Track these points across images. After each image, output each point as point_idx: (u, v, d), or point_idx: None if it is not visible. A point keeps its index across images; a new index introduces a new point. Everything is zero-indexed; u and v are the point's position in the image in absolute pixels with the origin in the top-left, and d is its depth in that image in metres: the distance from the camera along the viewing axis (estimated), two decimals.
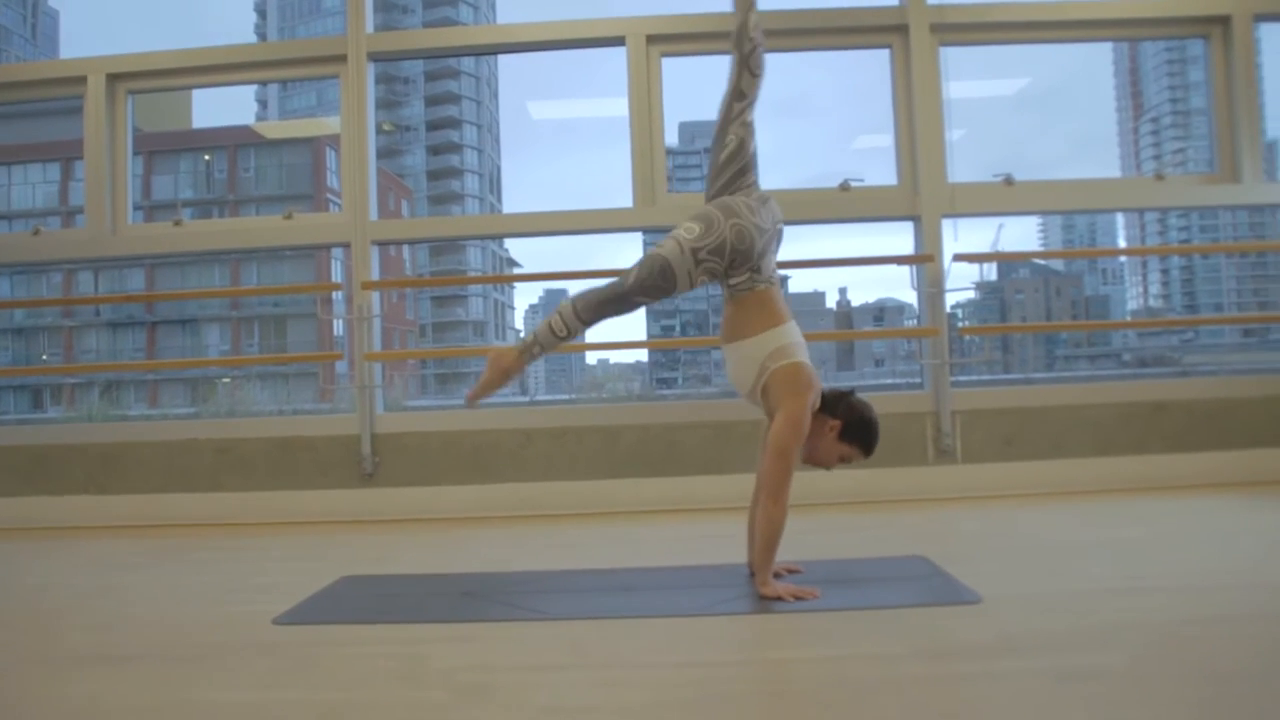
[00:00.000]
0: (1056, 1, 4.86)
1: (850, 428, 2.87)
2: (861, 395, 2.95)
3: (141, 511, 4.63)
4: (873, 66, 4.97)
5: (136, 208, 5.14)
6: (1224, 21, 4.83)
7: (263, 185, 24.99)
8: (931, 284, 4.62)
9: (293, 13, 39.45)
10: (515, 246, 26.16)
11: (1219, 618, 2.33)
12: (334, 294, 5.51)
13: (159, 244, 5.18)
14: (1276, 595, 2.55)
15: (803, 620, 2.50)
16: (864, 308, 35.13)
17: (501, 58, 5.61)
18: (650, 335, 35.03)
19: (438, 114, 37.43)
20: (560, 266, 4.88)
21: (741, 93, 3.00)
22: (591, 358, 29.37)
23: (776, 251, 3.00)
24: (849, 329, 32.69)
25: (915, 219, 4.73)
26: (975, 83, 6.28)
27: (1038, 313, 34.66)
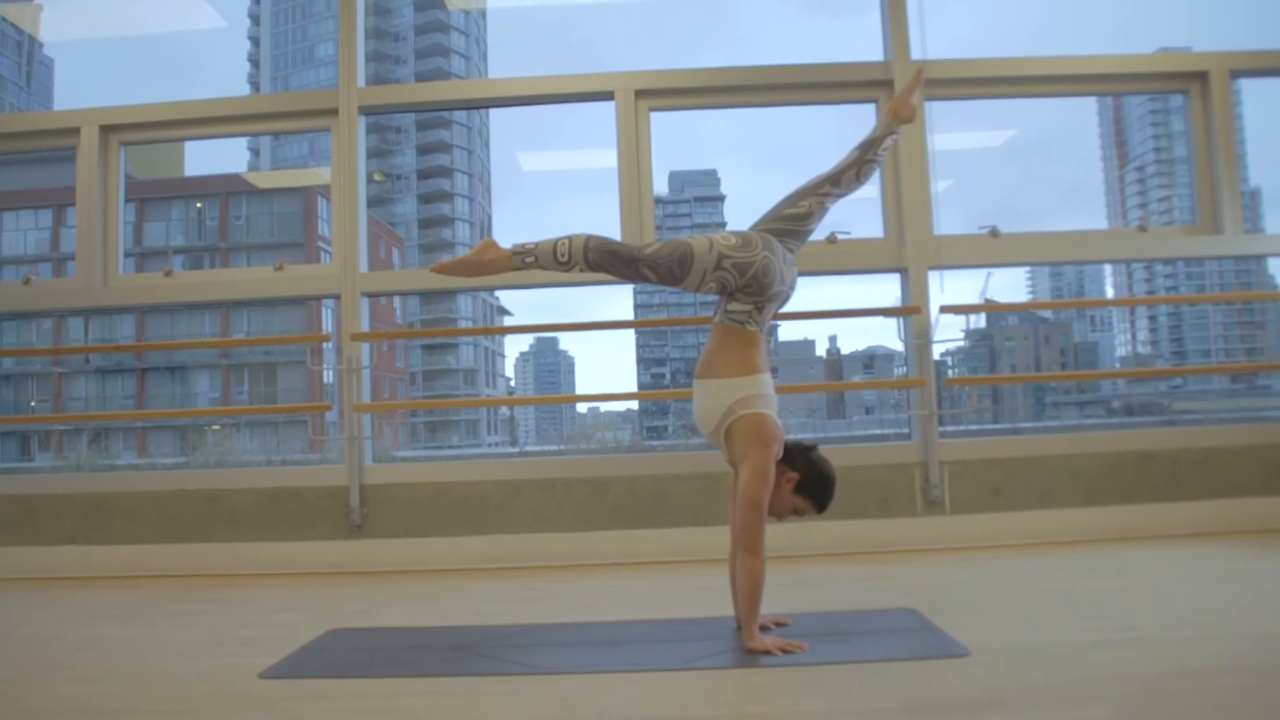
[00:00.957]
0: (1038, 57, 4.93)
1: (808, 482, 2.90)
2: (823, 451, 2.96)
3: (129, 562, 4.61)
4: (860, 118, 5.03)
5: (128, 254, 5.16)
6: (1202, 78, 4.91)
7: (254, 233, 25.04)
8: (918, 335, 4.65)
9: (286, 63, 39.71)
10: (506, 294, 26.20)
11: (1206, 670, 2.34)
12: (324, 344, 5.50)
13: (150, 294, 5.19)
14: (1264, 646, 2.56)
15: (790, 674, 2.50)
16: (854, 355, 35.22)
17: (493, 109, 5.65)
18: (640, 384, 35.10)
19: (429, 163, 37.65)
20: (550, 313, 4.95)
21: (839, 181, 3.17)
22: (582, 407, 29.41)
23: (777, 309, 3.06)
24: (839, 377, 32.74)
25: (902, 271, 4.77)
26: (962, 135, 6.35)
27: (1027, 360, 34.76)
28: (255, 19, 39.64)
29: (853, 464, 4.41)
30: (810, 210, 3.12)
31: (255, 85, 39.40)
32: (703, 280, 2.91)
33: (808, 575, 3.89)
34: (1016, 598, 3.39)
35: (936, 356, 4.81)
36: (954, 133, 5.52)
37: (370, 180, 5.15)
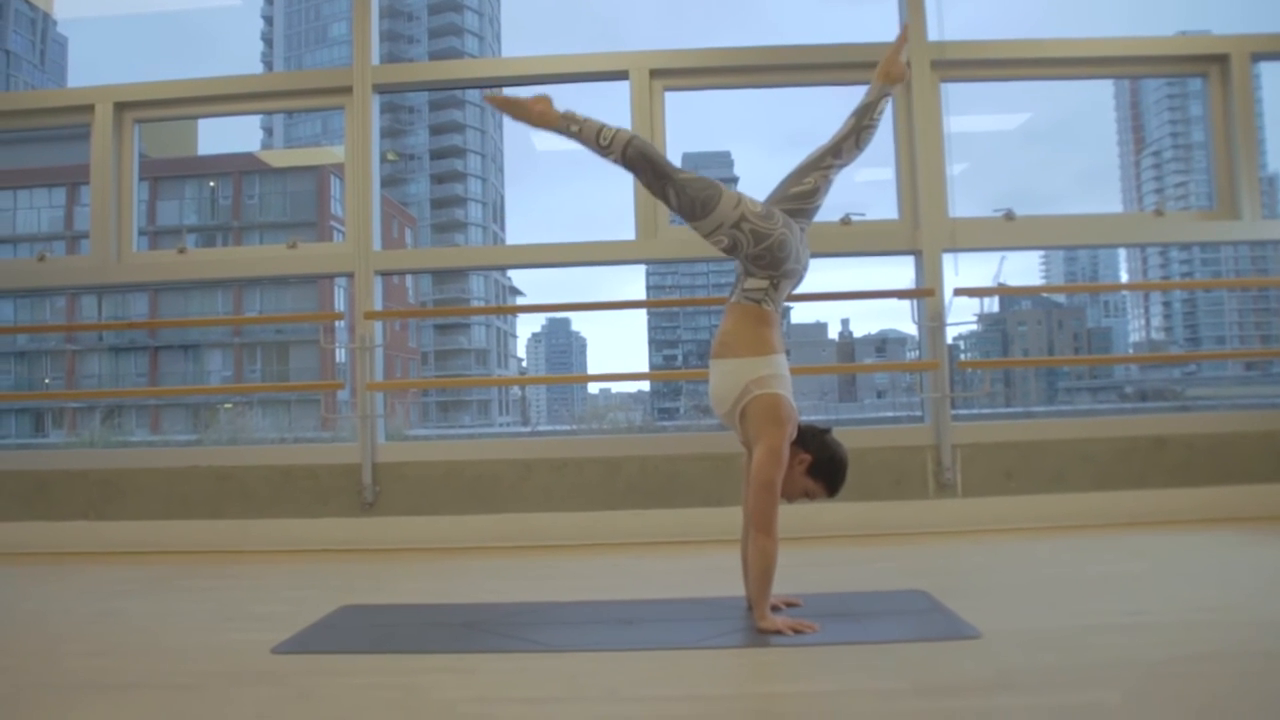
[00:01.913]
0: (1055, 39, 4.89)
1: (820, 465, 2.89)
2: (836, 435, 2.95)
3: (141, 538, 4.63)
4: None
5: (141, 233, 5.17)
6: (1222, 60, 4.87)
7: (267, 212, 25.11)
8: (932, 318, 4.64)
9: (299, 42, 39.74)
10: (518, 274, 26.26)
11: (1217, 654, 2.33)
12: (337, 323, 5.51)
13: (163, 272, 5.20)
14: (1274, 632, 2.55)
15: (801, 654, 2.51)
16: (866, 339, 35.24)
17: (506, 88, 5.63)
18: (652, 365, 35.14)
19: (442, 143, 37.65)
20: (563, 294, 4.92)
21: (839, 152, 3.17)
22: (593, 387, 29.40)
23: (792, 288, 3.06)
24: (851, 360, 32.76)
25: (916, 253, 4.75)
26: (978, 117, 6.32)
27: (1040, 344, 34.72)
28: None
29: (865, 446, 4.40)
30: (816, 186, 3.13)
31: (268, 64, 39.46)
32: (717, 230, 2.92)
33: (820, 556, 3.89)
34: (1028, 581, 3.39)
35: (950, 340, 4.79)
36: (970, 115, 5.49)
37: (383, 159, 5.14)
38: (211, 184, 25.08)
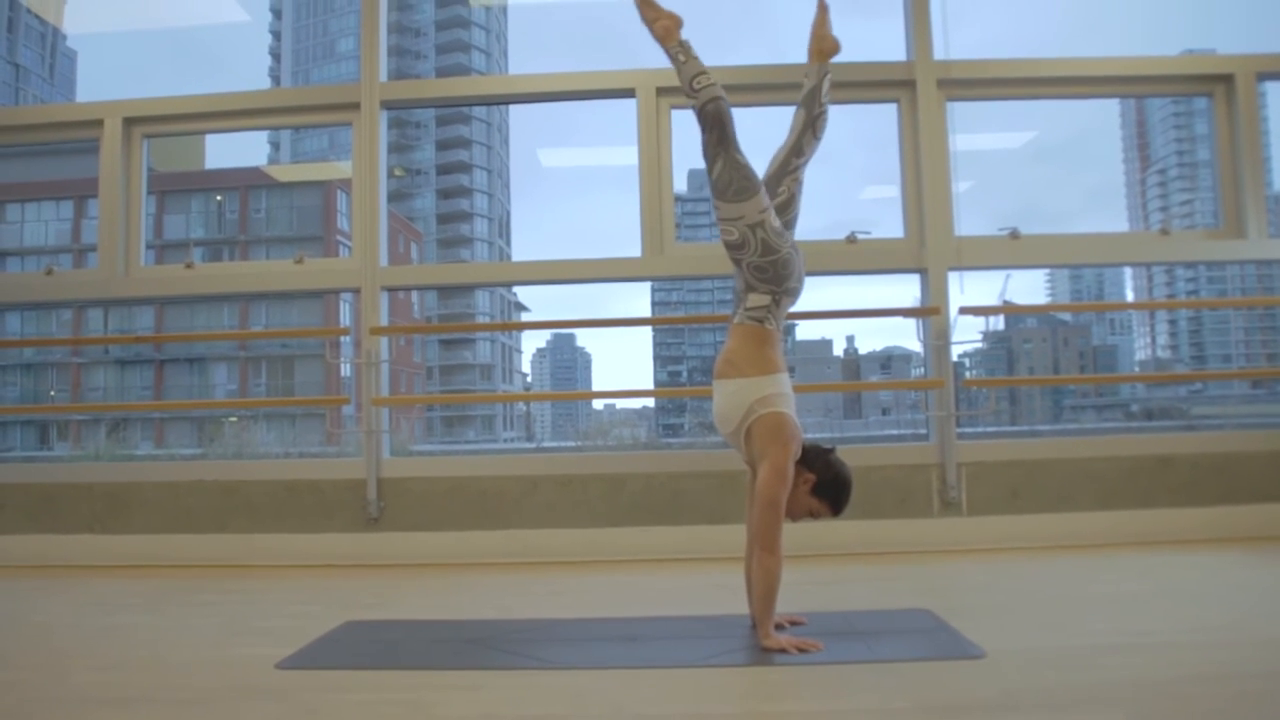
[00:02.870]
0: (1060, 58, 4.91)
1: (824, 484, 2.90)
2: (841, 454, 2.96)
3: (146, 552, 4.64)
4: (883, 117, 5.02)
5: (148, 246, 5.19)
6: (1227, 80, 4.88)
7: (274, 226, 25.16)
8: (937, 336, 4.65)
9: (306, 57, 39.87)
10: (524, 289, 26.27)
11: (1222, 675, 2.33)
12: (342, 337, 5.52)
13: (170, 286, 5.22)
14: (1279, 652, 2.55)
15: (805, 673, 2.51)
16: (871, 356, 35.21)
17: (513, 105, 5.66)
18: (657, 381, 35.14)
19: (449, 158, 37.72)
20: (568, 310, 4.97)
21: (800, 150, 3.24)
22: (598, 403, 29.39)
23: (790, 305, 3.08)
24: (856, 377, 32.75)
25: (921, 271, 4.76)
26: (983, 135, 6.33)
27: (1045, 362, 34.70)
28: (277, 13, 39.80)
29: (870, 464, 4.41)
30: (792, 193, 3.21)
31: (276, 79, 39.59)
32: (736, 220, 2.95)
33: (824, 574, 3.89)
34: (1032, 600, 3.38)
35: (955, 358, 4.80)
36: (975, 133, 5.50)
37: (390, 175, 5.16)
38: (218, 198, 25.15)
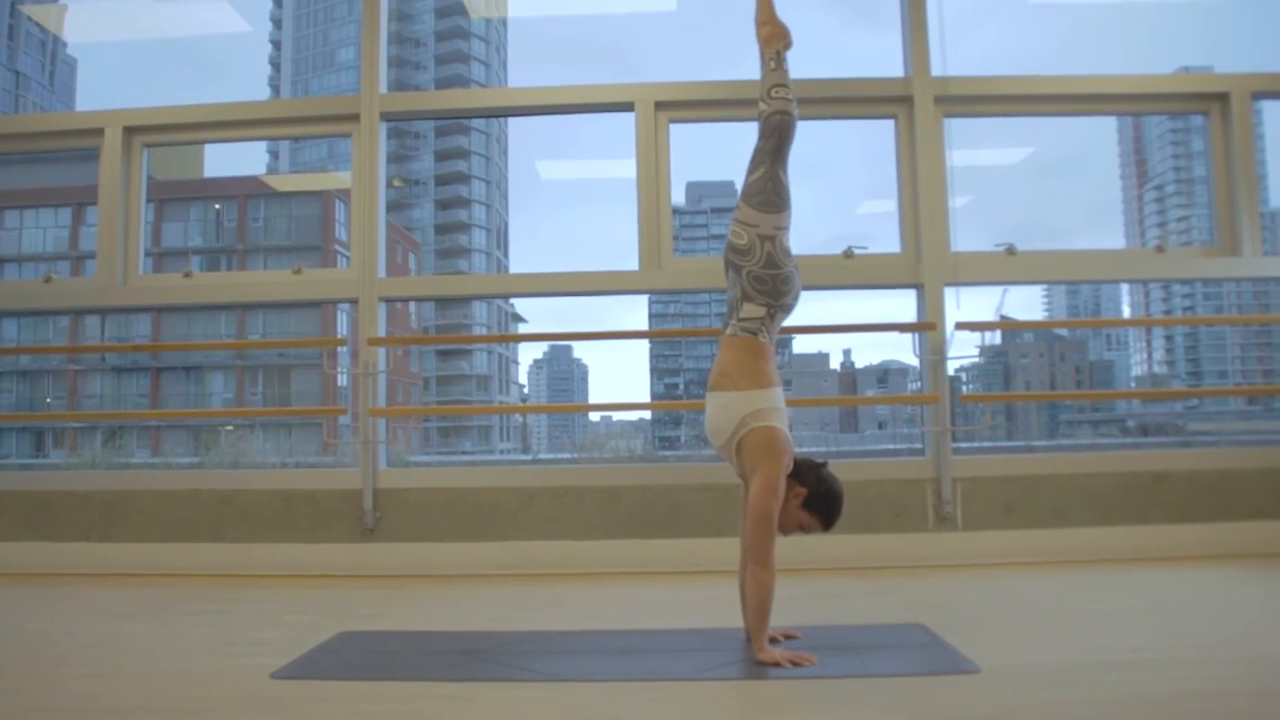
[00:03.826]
0: (1057, 75, 4.94)
1: (815, 498, 2.90)
2: (833, 469, 2.96)
3: (143, 560, 4.63)
4: (881, 132, 5.05)
5: (146, 254, 5.20)
6: (1223, 99, 4.90)
7: (272, 236, 25.15)
8: (933, 351, 4.66)
9: (306, 66, 39.92)
10: (521, 301, 26.28)
11: (1216, 692, 2.34)
12: (339, 347, 5.53)
13: (169, 295, 5.23)
14: (1275, 669, 2.56)
15: (799, 687, 2.51)
16: (868, 369, 35.18)
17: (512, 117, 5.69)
18: (654, 394, 35.11)
19: (447, 169, 37.77)
20: (566, 322, 4.99)
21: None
22: (595, 415, 29.37)
23: (784, 320, 3.10)
24: (853, 391, 32.71)
25: (918, 287, 4.77)
26: (980, 151, 6.36)
27: (1042, 377, 34.70)
28: (277, 23, 39.85)
29: (865, 478, 4.42)
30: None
31: (276, 88, 39.63)
32: (752, 227, 2.99)
33: (818, 589, 3.89)
34: (1027, 616, 3.39)
35: (951, 372, 4.81)
36: (972, 149, 5.52)
37: (389, 185, 5.18)
38: (217, 206, 25.13)
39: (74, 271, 20.55)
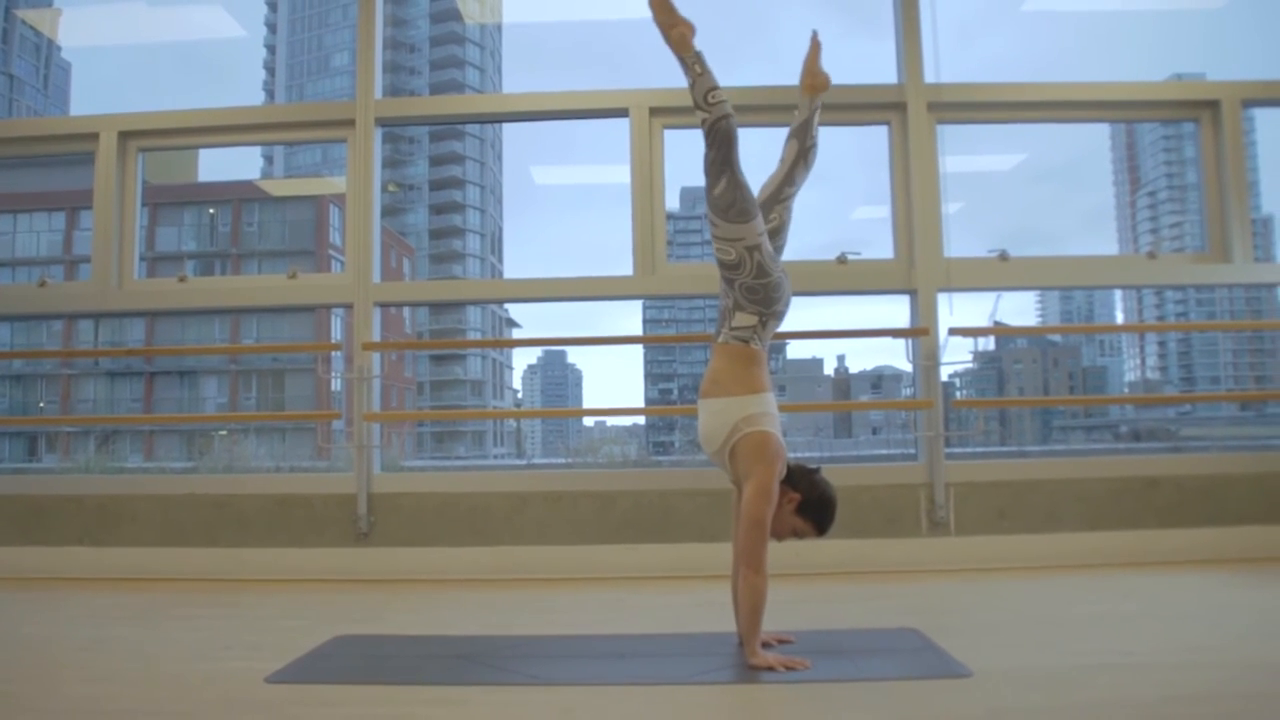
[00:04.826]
0: (1049, 83, 4.96)
1: (809, 504, 2.91)
2: (826, 474, 2.98)
3: (137, 565, 4.63)
4: (876, 138, 5.06)
5: (140, 258, 5.19)
6: (1214, 106, 4.92)
7: (266, 240, 25.13)
8: (926, 357, 4.67)
9: (301, 71, 39.92)
10: (515, 306, 26.28)
11: (1206, 696, 2.35)
12: (333, 352, 5.53)
13: (164, 299, 5.22)
14: (1263, 674, 2.57)
15: (792, 691, 2.52)
16: (862, 375, 35.25)
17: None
18: (648, 399, 35.13)
19: (441, 174, 37.77)
20: (560, 327, 4.94)
21: (793, 179, 3.29)
22: (588, 420, 29.38)
23: (776, 328, 3.11)
24: (846, 396, 32.75)
25: (911, 292, 4.79)
26: (973, 158, 6.38)
27: (1035, 383, 34.78)
28: (272, 27, 39.86)
29: (858, 483, 4.43)
30: (783, 220, 3.26)
31: (270, 93, 39.61)
32: (736, 241, 2.96)
33: (811, 593, 3.90)
34: (1019, 620, 3.40)
35: (944, 378, 4.83)
36: (966, 155, 5.54)
37: (384, 190, 5.18)
38: (211, 211, 25.11)
39: (68, 276, 20.50)
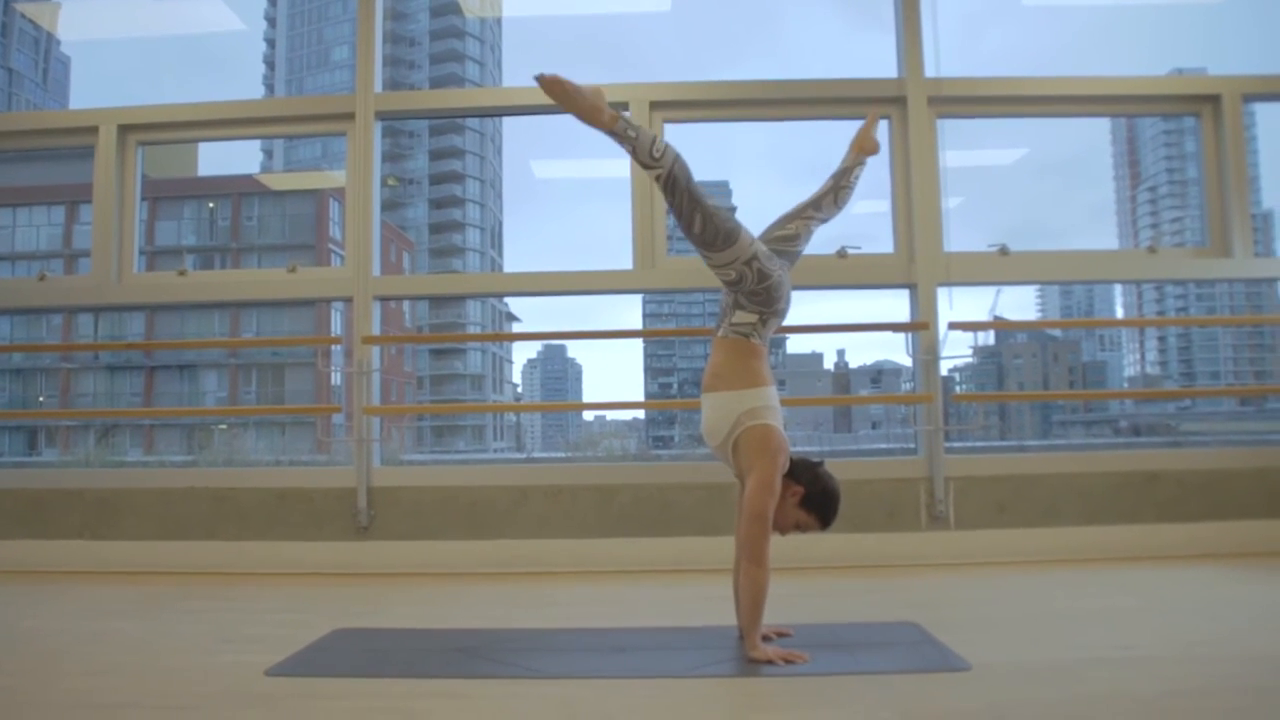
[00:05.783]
0: (1050, 77, 4.95)
1: (812, 497, 2.91)
2: (829, 467, 2.98)
3: (137, 558, 4.64)
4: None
5: (140, 252, 5.19)
6: (1214, 101, 4.92)
7: (266, 234, 25.14)
8: (926, 351, 4.67)
9: (301, 65, 39.89)
10: (515, 300, 26.28)
11: (1206, 690, 2.35)
12: (333, 346, 5.53)
13: (163, 293, 5.22)
14: (1263, 668, 2.57)
15: (791, 684, 2.52)
16: (862, 369, 35.24)
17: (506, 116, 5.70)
18: (648, 393, 35.13)
19: (441, 168, 37.73)
20: (560, 321, 4.97)
21: (819, 206, 3.36)
22: (588, 414, 29.38)
23: (777, 325, 3.11)
24: (846, 391, 32.77)
25: (911, 287, 4.79)
26: (974, 152, 6.37)
27: (1035, 378, 34.78)
28: (272, 21, 39.82)
29: (858, 478, 4.43)
30: (798, 232, 3.27)
31: (270, 87, 39.60)
32: (732, 263, 2.95)
33: (811, 587, 3.90)
34: (1019, 614, 3.40)
35: (944, 372, 4.82)
36: (966, 150, 5.53)
37: (384, 184, 5.18)
38: (211, 205, 25.11)
39: (68, 269, 20.51)
